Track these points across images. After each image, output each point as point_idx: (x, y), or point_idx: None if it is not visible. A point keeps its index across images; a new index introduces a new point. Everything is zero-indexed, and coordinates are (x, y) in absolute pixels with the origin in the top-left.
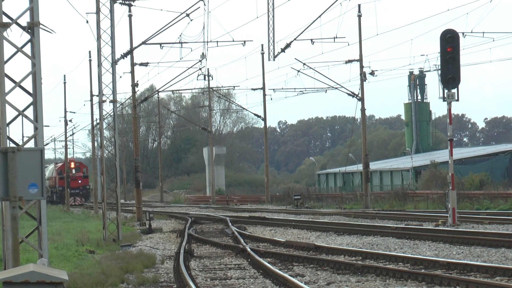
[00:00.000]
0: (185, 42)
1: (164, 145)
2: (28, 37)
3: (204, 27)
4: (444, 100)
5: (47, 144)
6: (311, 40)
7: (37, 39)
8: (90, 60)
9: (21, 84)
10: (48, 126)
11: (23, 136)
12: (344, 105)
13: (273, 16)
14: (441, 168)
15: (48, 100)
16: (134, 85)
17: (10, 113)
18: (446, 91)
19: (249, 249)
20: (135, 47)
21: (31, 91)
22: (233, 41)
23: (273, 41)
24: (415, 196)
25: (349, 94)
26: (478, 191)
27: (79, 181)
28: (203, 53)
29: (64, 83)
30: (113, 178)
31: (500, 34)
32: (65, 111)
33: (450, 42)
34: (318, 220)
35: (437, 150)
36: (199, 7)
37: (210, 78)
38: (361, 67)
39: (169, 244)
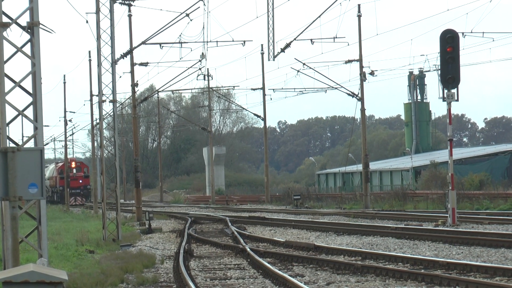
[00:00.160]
0: (185, 42)
1: (164, 145)
2: (28, 37)
3: (204, 27)
4: (444, 100)
5: (47, 144)
6: (311, 40)
7: (37, 39)
8: (90, 60)
9: (21, 84)
10: (48, 126)
11: (23, 136)
12: (344, 105)
13: (272, 16)
14: (441, 168)
15: (48, 100)
16: (134, 85)
17: (10, 113)
18: (446, 91)
19: (248, 249)
20: (135, 47)
21: (31, 91)
22: (233, 41)
23: (273, 41)
24: (415, 196)
25: (349, 94)
26: (478, 191)
27: (80, 181)
28: (203, 53)
29: (64, 83)
30: (113, 178)
31: (500, 34)
32: (65, 111)
33: (450, 42)
34: (317, 220)
35: (437, 150)
36: (199, 7)
37: (210, 78)
38: (361, 67)
39: (168, 244)
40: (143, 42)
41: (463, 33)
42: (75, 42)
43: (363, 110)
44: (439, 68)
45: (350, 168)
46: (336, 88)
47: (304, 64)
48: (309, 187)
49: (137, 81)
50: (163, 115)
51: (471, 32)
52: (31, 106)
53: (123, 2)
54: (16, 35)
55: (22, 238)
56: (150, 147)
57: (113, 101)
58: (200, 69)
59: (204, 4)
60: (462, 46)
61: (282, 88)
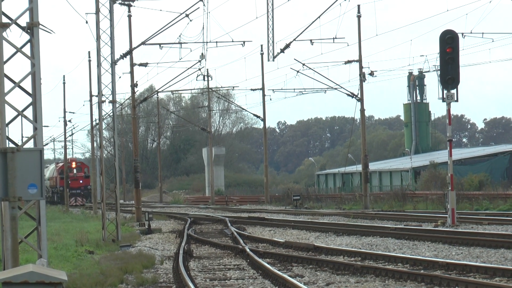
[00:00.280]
0: (184, 43)
1: (163, 146)
2: (27, 37)
3: (203, 28)
4: (443, 101)
5: (47, 144)
6: (311, 40)
7: (36, 39)
8: (89, 61)
9: (21, 84)
10: (47, 126)
11: (22, 136)
12: (343, 106)
13: (272, 17)
14: (441, 169)
15: (48, 100)
16: (134, 85)
17: (9, 113)
18: (445, 91)
19: (248, 250)
20: (135, 48)
21: (30, 91)
22: (233, 41)
23: (273, 42)
24: (414, 196)
25: (348, 95)
26: (477, 191)
27: (81, 181)
28: (202, 54)
29: (64, 83)
30: (112, 178)
31: (500, 34)
32: (65, 111)
33: (449, 43)
34: (317, 221)
35: (437, 150)
36: (199, 8)
37: (210, 78)
38: (361, 67)
39: (168, 244)
40: (143, 43)
41: (462, 33)
42: (75, 43)
43: (362, 110)
44: (439, 68)
45: (349, 169)
46: (335, 88)
47: (303, 64)
48: (309, 187)
49: (136, 81)
50: (162, 116)
51: (471, 33)
52: (31, 107)
53: (122, 2)
54: (16, 35)
55: (21, 239)
56: (150, 147)
57: (113, 102)
58: (199, 69)
59: (204, 5)
60: (461, 47)
61: (281, 89)
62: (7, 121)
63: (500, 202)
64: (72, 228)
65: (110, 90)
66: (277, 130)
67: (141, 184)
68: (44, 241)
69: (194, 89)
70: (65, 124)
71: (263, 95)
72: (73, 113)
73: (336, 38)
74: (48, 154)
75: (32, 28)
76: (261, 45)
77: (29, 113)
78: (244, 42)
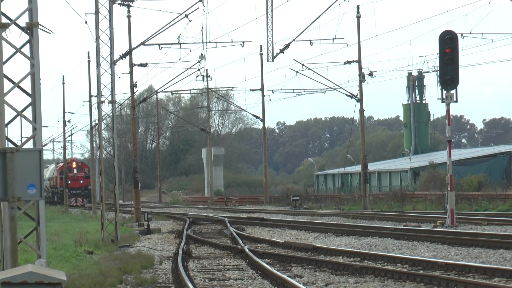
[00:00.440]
0: (184, 43)
1: (162, 146)
2: (27, 37)
3: (203, 28)
4: (442, 101)
5: (46, 144)
6: (310, 41)
7: (36, 39)
8: (89, 61)
9: (20, 84)
10: (46, 126)
11: (21, 137)
12: (342, 106)
13: (272, 17)
14: (440, 169)
15: (47, 100)
16: (133, 85)
17: (8, 114)
18: (444, 92)
19: (247, 250)
20: (134, 48)
21: (29, 91)
22: (232, 42)
23: (272, 42)
24: (414, 197)
25: (347, 95)
26: (476, 192)
27: (81, 181)
28: (202, 54)
29: (63, 83)
30: (112, 178)
31: (499, 35)
32: (64, 112)
33: (449, 43)
34: (316, 221)
35: (436, 151)
36: (198, 8)
37: (209, 79)
38: (360, 68)
39: (167, 244)
40: (142, 43)
41: (462, 34)
42: (74, 43)
43: (362, 111)
44: (438, 69)
45: (349, 169)
46: (335, 89)
47: (303, 65)
48: (308, 188)
49: (136, 82)
50: (162, 116)
51: (470, 33)
52: (30, 107)
53: (122, 3)
54: (15, 35)
55: (20, 239)
56: (149, 148)
57: (112, 102)
58: (199, 70)
59: (203, 5)
60: (461, 47)
61: (281, 89)
62: (6, 121)
63: (499, 202)
64: (71, 229)
65: (110, 90)
66: (277, 130)
67: (140, 184)
68: (43, 241)
69: (193, 89)
70: (65, 125)
71: (263, 96)
72: (73, 113)
73: (335, 38)
74: (47, 155)
75: (31, 28)
76: (261, 46)
77: (28, 113)
78: (243, 42)
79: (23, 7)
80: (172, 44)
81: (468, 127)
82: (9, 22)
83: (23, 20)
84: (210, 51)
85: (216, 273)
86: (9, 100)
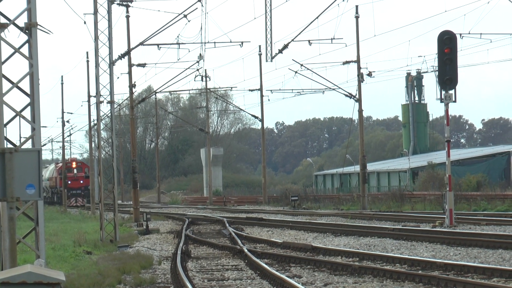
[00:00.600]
0: (182, 43)
1: (161, 146)
2: (25, 37)
3: (201, 28)
4: (441, 101)
5: (45, 145)
6: (309, 41)
7: (34, 40)
8: (87, 61)
9: (19, 84)
10: (45, 127)
11: (20, 137)
12: (341, 106)
13: (270, 17)
14: (439, 169)
15: (46, 100)
16: (132, 86)
17: (7, 114)
18: (443, 92)
19: (246, 250)
20: (133, 48)
21: (28, 91)
22: (231, 42)
23: (271, 42)
24: (413, 197)
25: (346, 95)
26: (475, 192)
27: (81, 181)
28: (200, 54)
29: (62, 83)
30: (110, 179)
31: (498, 35)
32: (63, 112)
33: (447, 43)
34: (315, 221)
35: (435, 151)
36: (197, 8)
37: (208, 79)
38: (359, 68)
39: (166, 245)
40: (141, 43)
41: (460, 34)
42: (73, 43)
43: (360, 111)
44: (437, 69)
45: (347, 169)
46: (333, 89)
47: (301, 65)
48: (307, 188)
49: (134, 82)
50: (160, 116)
51: (469, 33)
52: (29, 107)
53: (121, 3)
54: (14, 36)
55: (19, 239)
56: (148, 148)
57: (111, 102)
58: (197, 70)
59: (202, 5)
60: (459, 47)
61: (279, 89)
62: (5, 122)
63: (498, 202)
64: (70, 229)
65: (108, 90)
66: (275, 130)
67: (139, 184)
68: (42, 241)
69: (192, 89)
70: (63, 125)
71: (261, 96)
72: (71, 113)
73: (334, 38)
74: (46, 155)
75: (30, 28)
76: (259, 46)
77: (27, 113)
78: (242, 42)
79: (21, 7)
80: (171, 44)
81: (467, 127)
82: (8, 22)
83: (22, 20)
84: (209, 51)
85: (215, 273)
86: (8, 100)
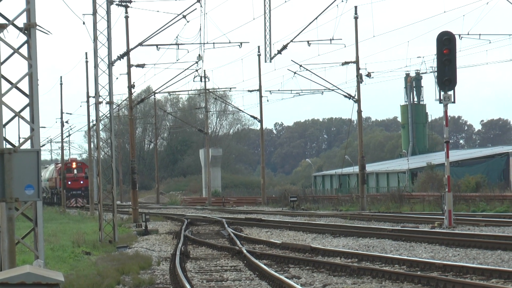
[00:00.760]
0: (181, 44)
1: (160, 147)
2: (24, 38)
3: (200, 29)
4: (440, 102)
5: (44, 145)
6: (308, 41)
7: (33, 40)
8: (86, 62)
9: (18, 85)
10: (44, 127)
11: (19, 137)
12: (340, 107)
13: (269, 18)
14: (437, 170)
15: (45, 101)
16: (131, 86)
17: (6, 114)
18: (442, 93)
19: (245, 251)
20: (132, 49)
21: (27, 92)
22: (230, 42)
23: (270, 43)
24: (411, 198)
25: (345, 96)
26: (474, 193)
27: (81, 182)
28: (199, 55)
29: (61, 84)
30: (109, 179)
31: (497, 36)
32: (62, 112)
33: (446, 44)
34: (314, 222)
35: (434, 152)
36: (196, 9)
37: (207, 79)
38: (358, 69)
39: (165, 245)
40: (140, 44)
41: (459, 35)
42: (72, 44)
43: (359, 112)
44: (436, 70)
45: (346, 170)
46: (332, 90)
47: (300, 65)
48: (306, 189)
49: (133, 82)
50: (159, 117)
51: (468, 34)
52: (28, 108)
53: (120, 3)
54: (13, 36)
55: (18, 240)
56: (147, 148)
57: (110, 103)
58: (196, 70)
59: (201, 6)
60: (458, 48)
61: (278, 90)
62: (4, 122)
63: (497, 203)
64: (69, 229)
65: (107, 91)
66: (274, 131)
67: (138, 185)
68: (41, 242)
69: (191, 90)
70: (62, 125)
71: (260, 96)
72: (70, 114)
73: (333, 39)
74: (45, 155)
75: (29, 29)
76: (258, 46)
77: (26, 114)
78: (241, 43)
79: (21, 8)
80: (170, 45)
81: (466, 128)
82: (7, 22)
83: (21, 21)
84: (208, 52)
85: (214, 274)
86: (7, 101)
